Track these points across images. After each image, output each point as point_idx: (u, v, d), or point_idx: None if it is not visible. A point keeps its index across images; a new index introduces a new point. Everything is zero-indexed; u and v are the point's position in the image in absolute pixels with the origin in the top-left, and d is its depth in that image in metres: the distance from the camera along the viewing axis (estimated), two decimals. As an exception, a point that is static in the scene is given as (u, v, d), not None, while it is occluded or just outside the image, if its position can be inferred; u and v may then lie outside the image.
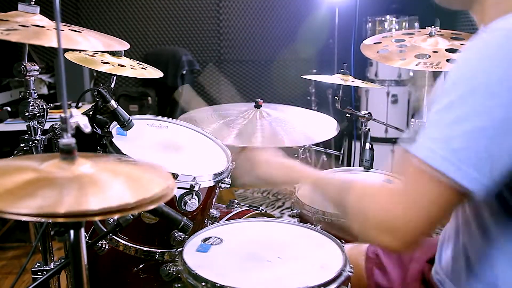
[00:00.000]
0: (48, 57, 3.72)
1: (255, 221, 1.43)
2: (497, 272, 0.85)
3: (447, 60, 1.70)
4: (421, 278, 1.15)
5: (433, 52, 1.75)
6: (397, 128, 2.43)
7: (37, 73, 1.34)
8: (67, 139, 0.70)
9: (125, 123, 1.44)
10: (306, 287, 1.03)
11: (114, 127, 1.47)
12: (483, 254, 0.87)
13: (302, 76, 2.29)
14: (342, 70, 2.05)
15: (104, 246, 1.39)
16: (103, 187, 0.69)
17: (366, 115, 2.02)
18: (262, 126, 1.85)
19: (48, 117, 1.37)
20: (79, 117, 0.71)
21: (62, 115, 0.69)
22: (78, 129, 0.72)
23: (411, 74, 3.82)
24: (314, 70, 4.06)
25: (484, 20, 0.90)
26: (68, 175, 0.69)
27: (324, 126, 1.94)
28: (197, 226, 1.43)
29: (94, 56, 1.59)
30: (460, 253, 0.94)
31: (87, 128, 0.72)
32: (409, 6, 3.94)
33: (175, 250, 1.41)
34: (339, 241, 1.25)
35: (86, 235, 1.44)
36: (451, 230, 0.99)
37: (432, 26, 1.84)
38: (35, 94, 1.34)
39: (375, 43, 1.90)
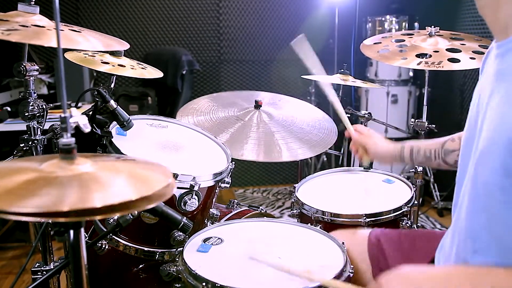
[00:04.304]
0: (47, 57, 3.71)
1: (255, 221, 1.43)
2: None
3: (449, 60, 1.70)
4: None
5: (434, 51, 1.75)
6: (397, 128, 2.43)
7: (37, 73, 1.34)
8: (67, 139, 0.70)
9: (124, 123, 1.44)
10: (306, 287, 1.03)
11: (114, 127, 1.46)
12: None
13: (302, 76, 2.29)
14: (342, 70, 2.05)
15: (104, 246, 1.39)
16: (105, 184, 0.70)
17: (366, 115, 2.02)
18: (258, 136, 1.84)
19: (47, 117, 1.37)
20: (78, 117, 0.71)
21: (62, 115, 0.69)
22: (77, 129, 0.72)
23: (411, 74, 3.82)
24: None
25: (498, 16, 0.85)
26: (69, 173, 0.69)
27: (324, 131, 1.95)
28: (197, 226, 1.43)
29: (94, 56, 1.59)
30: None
31: (86, 128, 0.72)
32: (409, 6, 3.94)
33: (175, 250, 1.41)
34: (339, 241, 1.25)
35: (86, 235, 1.44)
36: (456, 244, 0.97)
37: (432, 26, 1.84)
38: (35, 94, 1.34)
39: (375, 43, 1.90)
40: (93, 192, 0.66)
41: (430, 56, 1.73)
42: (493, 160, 0.81)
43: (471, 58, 1.69)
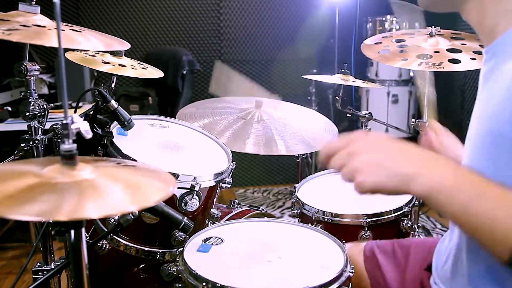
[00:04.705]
0: (48, 57, 3.72)
1: (255, 221, 1.43)
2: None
3: (449, 60, 1.69)
4: (420, 286, 1.14)
5: (434, 52, 1.75)
6: (397, 128, 2.43)
7: (38, 73, 1.34)
8: (68, 145, 0.70)
9: (125, 123, 1.44)
10: (307, 287, 1.03)
11: (115, 127, 1.47)
12: (486, 270, 0.84)
13: (302, 76, 2.29)
14: (343, 70, 2.05)
15: (104, 246, 1.39)
16: (103, 193, 0.70)
17: (367, 115, 2.02)
18: (258, 131, 1.85)
19: (48, 117, 1.37)
20: (80, 123, 0.71)
21: (64, 121, 0.69)
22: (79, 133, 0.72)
23: (411, 74, 3.81)
24: (315, 70, 4.06)
25: (484, 21, 0.87)
26: (69, 180, 0.69)
27: (324, 132, 1.95)
28: (198, 226, 1.43)
29: (95, 56, 1.59)
30: (462, 267, 0.92)
31: (88, 134, 0.72)
32: (409, 6, 3.94)
33: (176, 250, 1.41)
34: (339, 241, 1.25)
35: (87, 235, 1.44)
36: (453, 244, 0.96)
37: (433, 26, 1.84)
38: (36, 94, 1.34)
39: (375, 43, 1.90)
40: (91, 202, 0.66)
41: (431, 57, 1.73)
42: (479, 162, 0.81)
43: (471, 58, 1.68)
